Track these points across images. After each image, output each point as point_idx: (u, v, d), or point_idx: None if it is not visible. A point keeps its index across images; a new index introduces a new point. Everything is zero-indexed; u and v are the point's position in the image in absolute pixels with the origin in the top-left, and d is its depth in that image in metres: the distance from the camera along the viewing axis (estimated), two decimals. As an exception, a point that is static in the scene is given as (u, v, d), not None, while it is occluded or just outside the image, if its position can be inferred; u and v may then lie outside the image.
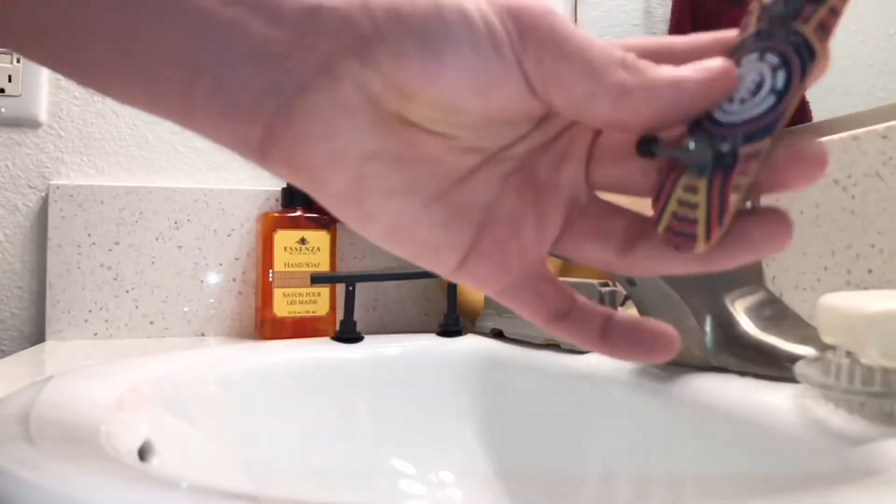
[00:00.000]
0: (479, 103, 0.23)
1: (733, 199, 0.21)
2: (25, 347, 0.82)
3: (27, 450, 0.24)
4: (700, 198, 0.22)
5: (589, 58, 0.22)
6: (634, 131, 0.23)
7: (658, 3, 0.88)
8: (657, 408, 0.46)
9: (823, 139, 0.56)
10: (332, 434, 0.58)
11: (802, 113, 0.65)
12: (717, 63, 0.22)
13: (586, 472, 0.51)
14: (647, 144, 0.23)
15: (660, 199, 0.24)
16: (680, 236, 0.23)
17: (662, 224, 0.23)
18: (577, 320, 0.27)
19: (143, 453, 0.34)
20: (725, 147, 0.22)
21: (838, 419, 0.33)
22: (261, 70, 0.22)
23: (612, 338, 0.26)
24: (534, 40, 0.22)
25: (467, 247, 0.26)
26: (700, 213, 0.22)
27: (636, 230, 0.25)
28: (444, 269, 0.27)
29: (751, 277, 0.47)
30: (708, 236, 0.22)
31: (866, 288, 0.52)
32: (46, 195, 0.84)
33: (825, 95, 0.63)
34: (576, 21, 1.02)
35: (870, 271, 0.52)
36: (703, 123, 0.23)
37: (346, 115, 0.23)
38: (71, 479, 0.22)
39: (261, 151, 0.24)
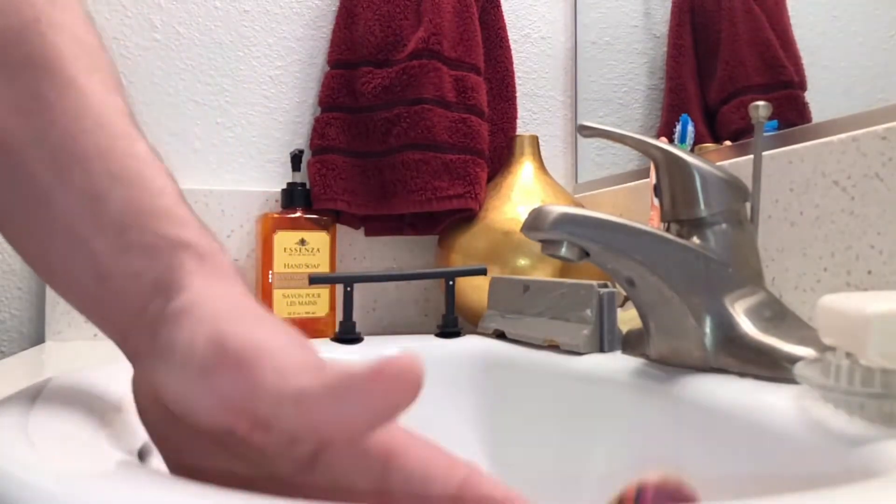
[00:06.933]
0: (194, 419, 0.25)
1: None
2: (25, 348, 0.82)
3: (27, 450, 0.24)
4: None
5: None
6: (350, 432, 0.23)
7: (658, 4, 0.88)
8: (657, 408, 0.46)
9: (822, 140, 0.56)
10: (331, 435, 0.58)
11: (802, 114, 0.65)
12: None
13: (586, 472, 0.51)
14: None
15: None
16: None
17: None
18: None
19: (143, 454, 0.34)
20: None
21: (838, 420, 0.33)
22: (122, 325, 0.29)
23: None
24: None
25: None
26: None
27: None
28: None
29: (751, 278, 0.47)
30: None
31: (866, 289, 0.52)
32: (46, 196, 0.84)
33: (825, 96, 0.64)
34: (575, 22, 1.02)
35: (869, 272, 0.52)
36: None
37: (141, 397, 0.28)
38: (71, 480, 0.22)
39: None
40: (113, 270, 0.28)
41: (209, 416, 0.25)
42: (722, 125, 0.75)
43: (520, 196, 0.84)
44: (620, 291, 0.58)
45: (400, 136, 0.83)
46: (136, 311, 0.28)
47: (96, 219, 0.28)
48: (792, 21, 0.67)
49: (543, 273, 0.80)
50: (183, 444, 0.27)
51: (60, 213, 0.29)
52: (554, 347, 0.60)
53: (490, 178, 0.89)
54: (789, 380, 0.40)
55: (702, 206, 0.48)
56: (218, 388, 0.24)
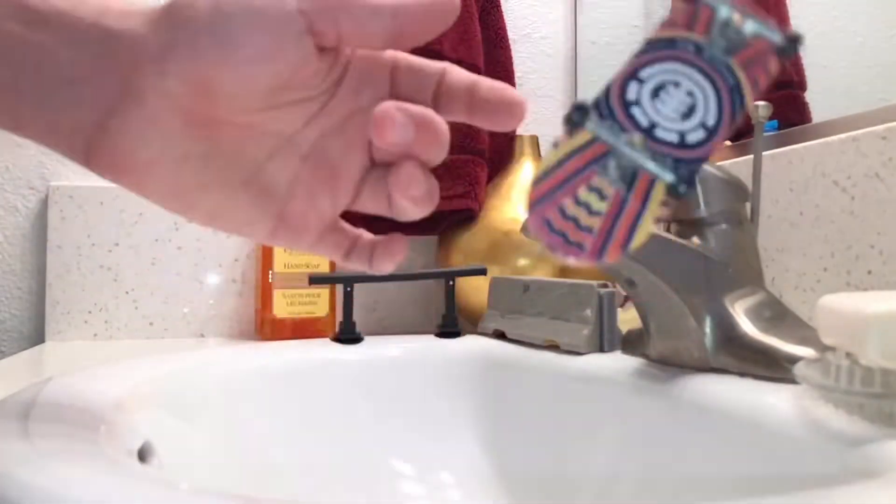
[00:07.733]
0: (269, 68, 0.26)
1: (648, 221, 0.20)
2: (25, 348, 0.82)
3: (27, 450, 0.24)
4: (604, 206, 0.21)
5: None
6: (415, 41, 0.28)
7: (658, 4, 0.88)
8: (657, 409, 0.46)
9: (822, 140, 0.56)
10: (331, 435, 0.58)
11: (802, 114, 0.65)
12: None
13: (586, 473, 0.51)
14: (579, 112, 0.22)
15: (545, 188, 0.21)
16: (561, 237, 0.21)
17: (540, 215, 0.21)
18: (358, 253, 0.35)
19: (143, 454, 0.34)
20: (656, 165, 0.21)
21: (838, 420, 0.33)
22: (72, 92, 0.26)
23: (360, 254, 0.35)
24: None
25: (275, 219, 0.31)
26: (598, 223, 0.20)
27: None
28: (258, 238, 0.32)
29: (751, 278, 0.47)
30: (602, 251, 0.20)
31: (866, 289, 0.52)
32: (46, 196, 0.84)
33: (825, 97, 0.64)
34: (575, 22, 1.02)
35: (869, 272, 0.52)
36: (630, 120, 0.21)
37: (154, 126, 0.27)
38: (71, 481, 0.22)
39: (86, 161, 0.27)
40: (90, 32, 0.26)
41: (288, 30, 0.26)
42: (722, 125, 0.75)
43: (520, 196, 0.84)
44: (620, 291, 0.58)
45: (400, 136, 0.83)
46: (136, 44, 0.26)
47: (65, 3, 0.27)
48: (792, 21, 0.67)
49: (543, 273, 0.80)
50: (208, 121, 0.28)
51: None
52: (554, 347, 0.60)
53: (490, 179, 0.89)
54: (789, 380, 0.40)
55: (702, 206, 0.48)
56: None
